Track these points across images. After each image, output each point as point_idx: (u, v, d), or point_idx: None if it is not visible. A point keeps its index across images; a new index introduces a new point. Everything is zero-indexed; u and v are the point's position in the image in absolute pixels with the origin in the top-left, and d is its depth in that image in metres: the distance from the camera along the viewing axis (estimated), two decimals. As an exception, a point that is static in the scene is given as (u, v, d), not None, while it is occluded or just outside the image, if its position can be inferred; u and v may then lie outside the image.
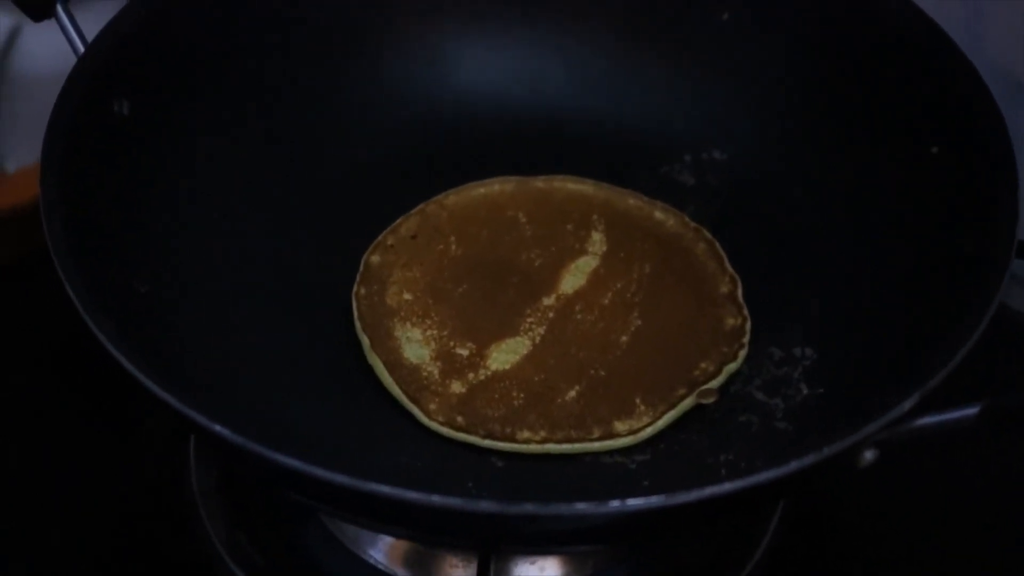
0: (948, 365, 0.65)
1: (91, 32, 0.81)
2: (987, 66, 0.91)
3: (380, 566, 0.81)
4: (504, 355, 0.80)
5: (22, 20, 0.88)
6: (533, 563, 0.79)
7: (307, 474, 0.62)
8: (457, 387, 0.78)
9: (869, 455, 0.65)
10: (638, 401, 0.78)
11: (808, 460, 0.62)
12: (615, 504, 0.61)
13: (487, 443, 0.76)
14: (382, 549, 0.81)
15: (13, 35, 1.01)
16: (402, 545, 0.81)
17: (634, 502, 0.61)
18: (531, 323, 0.81)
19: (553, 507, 0.61)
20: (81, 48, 0.81)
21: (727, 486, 0.61)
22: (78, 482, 0.87)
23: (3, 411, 0.90)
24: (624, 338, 0.81)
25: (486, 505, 0.61)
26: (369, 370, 0.80)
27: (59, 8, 0.82)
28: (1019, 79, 0.97)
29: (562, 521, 0.62)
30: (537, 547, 0.74)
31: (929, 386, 0.64)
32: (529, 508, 0.61)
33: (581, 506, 0.61)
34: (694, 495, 0.61)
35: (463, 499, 0.61)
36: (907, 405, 0.64)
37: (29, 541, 0.85)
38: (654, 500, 0.61)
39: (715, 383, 0.78)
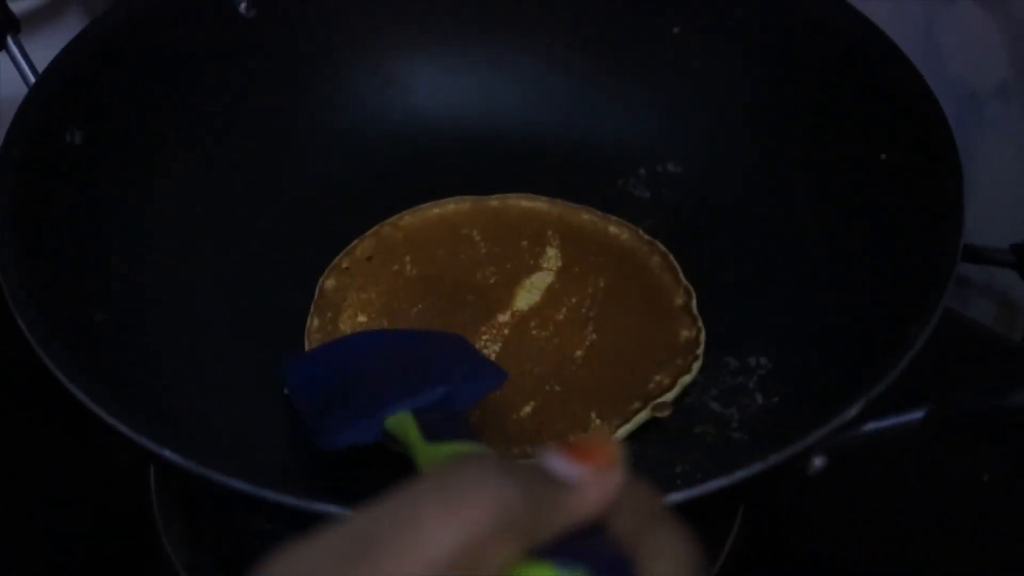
0: (892, 372, 0.66)
1: (44, 64, 0.82)
2: (942, 74, 0.92)
3: (344, 587, 0.81)
4: (460, 373, 0.80)
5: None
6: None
7: (257, 497, 0.62)
8: (413, 406, 0.78)
9: (818, 461, 0.65)
10: (593, 416, 0.78)
11: (753, 469, 0.63)
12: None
13: (443, 461, 0.76)
14: (345, 570, 0.81)
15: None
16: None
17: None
18: (487, 340, 0.82)
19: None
20: (32, 79, 0.82)
21: (673, 496, 0.62)
22: (39, 508, 0.86)
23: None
24: (579, 353, 0.81)
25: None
26: (328, 392, 0.80)
27: (10, 40, 0.82)
28: (973, 87, 0.98)
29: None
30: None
31: (873, 393, 0.65)
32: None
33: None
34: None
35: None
36: (851, 412, 0.64)
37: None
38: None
39: (670, 396, 0.79)
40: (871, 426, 0.65)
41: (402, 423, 0.66)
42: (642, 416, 0.78)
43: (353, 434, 0.69)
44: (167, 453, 0.63)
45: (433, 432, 0.64)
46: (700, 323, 0.82)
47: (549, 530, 0.45)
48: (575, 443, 0.47)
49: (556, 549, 0.45)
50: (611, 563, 0.45)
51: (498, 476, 0.45)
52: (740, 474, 0.63)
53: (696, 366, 0.80)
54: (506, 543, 0.44)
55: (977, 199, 0.76)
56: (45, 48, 0.83)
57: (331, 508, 0.61)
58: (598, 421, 0.78)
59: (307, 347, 0.82)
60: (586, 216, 0.88)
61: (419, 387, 0.68)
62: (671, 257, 0.86)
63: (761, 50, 0.89)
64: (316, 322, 0.83)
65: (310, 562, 0.44)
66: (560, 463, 0.47)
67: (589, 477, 0.46)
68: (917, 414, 0.64)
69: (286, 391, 0.77)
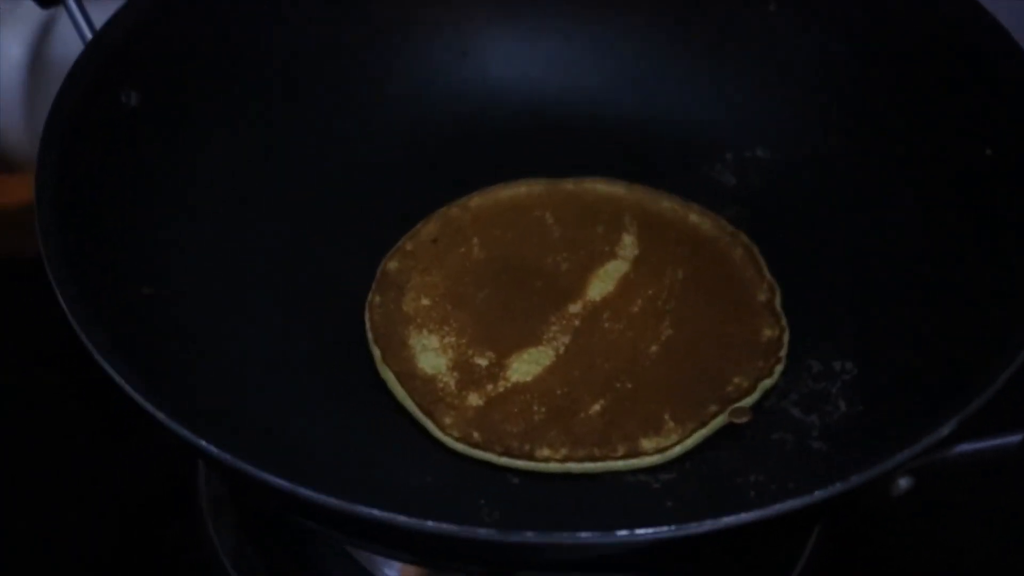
0: (990, 389, 0.61)
1: (102, 21, 0.79)
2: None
3: (393, 584, 0.78)
4: (525, 365, 0.76)
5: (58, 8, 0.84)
6: (552, 586, 0.75)
7: (296, 495, 0.58)
8: (474, 399, 0.74)
9: (904, 483, 0.61)
10: (667, 417, 0.74)
11: (833, 490, 0.58)
12: (622, 534, 0.57)
13: (504, 460, 0.72)
14: (395, 567, 0.78)
15: (48, 23, 0.97)
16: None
17: (643, 532, 0.57)
18: (555, 331, 0.77)
19: (555, 536, 0.57)
20: (89, 36, 0.78)
21: (744, 516, 0.57)
22: (85, 491, 0.84)
23: (6, 416, 0.87)
24: (654, 348, 0.77)
25: (484, 533, 0.57)
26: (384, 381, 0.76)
27: (68, -6, 0.79)
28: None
29: (566, 550, 0.58)
30: (548, 572, 0.70)
31: (968, 411, 0.60)
32: (530, 537, 0.57)
33: (585, 535, 0.57)
34: (708, 525, 0.57)
35: (459, 525, 0.57)
36: (943, 432, 0.60)
37: (33, 548, 0.82)
38: (664, 530, 0.57)
39: (749, 400, 0.74)
40: (963, 447, 0.60)
41: None
42: (719, 421, 0.73)
43: None
44: (203, 444, 0.60)
45: None
46: (784, 322, 0.78)
47: None
48: None
49: None
50: None
51: None
52: (819, 494, 0.58)
53: (778, 369, 0.76)
54: None
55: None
56: (105, 6, 0.79)
57: (372, 511, 0.57)
58: (671, 423, 0.73)
59: (367, 324, 0.78)
60: (666, 203, 0.84)
61: None
62: (755, 250, 0.81)
63: (861, 32, 0.84)
64: (378, 298, 0.79)
65: None
66: None
67: None
68: (1015, 437, 0.60)
69: None
